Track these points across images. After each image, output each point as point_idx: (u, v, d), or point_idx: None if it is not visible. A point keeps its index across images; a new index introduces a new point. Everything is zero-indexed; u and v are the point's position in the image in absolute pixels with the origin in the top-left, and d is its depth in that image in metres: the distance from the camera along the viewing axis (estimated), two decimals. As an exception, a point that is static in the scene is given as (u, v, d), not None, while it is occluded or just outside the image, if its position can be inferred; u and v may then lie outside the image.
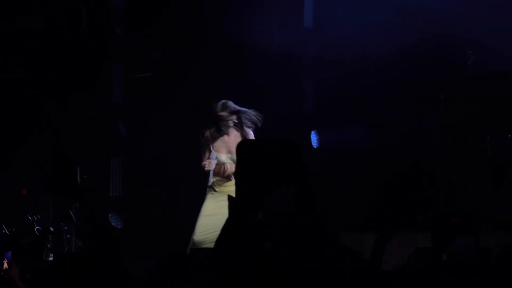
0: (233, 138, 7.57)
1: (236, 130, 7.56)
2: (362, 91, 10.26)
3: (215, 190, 7.64)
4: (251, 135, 7.54)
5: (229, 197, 3.48)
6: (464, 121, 9.58)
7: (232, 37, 10.41)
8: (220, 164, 7.55)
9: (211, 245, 7.18)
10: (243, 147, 3.48)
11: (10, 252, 7.36)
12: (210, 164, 7.48)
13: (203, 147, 7.61)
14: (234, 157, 7.28)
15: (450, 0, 10.11)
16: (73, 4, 9.93)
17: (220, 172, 7.57)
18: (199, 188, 9.79)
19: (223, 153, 7.54)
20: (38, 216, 9.16)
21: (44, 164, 9.79)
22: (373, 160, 10.22)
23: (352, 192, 10.08)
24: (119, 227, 9.73)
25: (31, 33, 9.93)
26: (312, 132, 10.32)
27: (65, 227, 9.36)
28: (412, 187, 9.97)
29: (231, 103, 7.57)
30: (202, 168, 7.68)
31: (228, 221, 3.42)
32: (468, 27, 10.06)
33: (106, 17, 9.93)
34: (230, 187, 7.49)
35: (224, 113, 7.48)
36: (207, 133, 7.58)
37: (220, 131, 7.50)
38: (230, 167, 7.51)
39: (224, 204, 7.28)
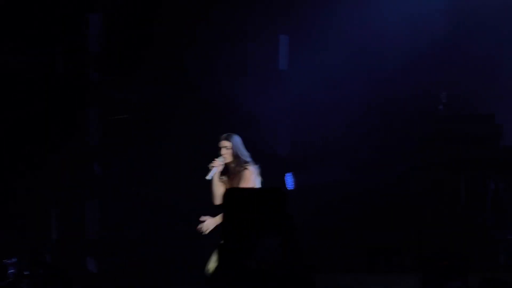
0: (235, 174, 7.37)
1: (238, 167, 7.39)
2: (338, 133, 10.36)
3: None
4: (247, 175, 7.29)
5: (218, 245, 3.51)
6: (438, 161, 9.69)
7: (207, 79, 10.49)
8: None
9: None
10: (229, 195, 3.51)
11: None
12: (214, 162, 7.32)
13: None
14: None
15: (424, 47, 10.30)
16: (49, 47, 9.96)
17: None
18: (176, 229, 9.81)
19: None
20: (14, 259, 9.06)
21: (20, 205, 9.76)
22: (349, 200, 10.29)
23: (329, 233, 10.13)
24: (95, 270, 9.67)
25: (7, 73, 9.95)
26: (288, 174, 10.36)
27: (41, 271, 9.28)
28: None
29: (235, 137, 7.50)
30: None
31: (217, 268, 3.45)
32: (440, 72, 10.26)
33: (82, 61, 9.96)
34: None
35: (223, 144, 7.41)
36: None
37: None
38: None
39: None
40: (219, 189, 7.27)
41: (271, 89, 10.55)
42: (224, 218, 3.44)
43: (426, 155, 9.80)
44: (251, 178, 7.30)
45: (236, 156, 7.37)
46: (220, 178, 7.38)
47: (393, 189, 10.22)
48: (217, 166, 7.31)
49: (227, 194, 3.49)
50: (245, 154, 7.41)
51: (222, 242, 3.46)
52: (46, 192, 9.94)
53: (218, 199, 7.27)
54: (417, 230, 9.90)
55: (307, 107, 10.38)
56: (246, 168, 7.33)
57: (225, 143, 7.40)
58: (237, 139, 7.47)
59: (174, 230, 9.92)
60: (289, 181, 10.32)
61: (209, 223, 7.20)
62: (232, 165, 7.38)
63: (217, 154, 9.86)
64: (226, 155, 7.37)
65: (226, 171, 7.41)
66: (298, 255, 3.37)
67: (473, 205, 10.00)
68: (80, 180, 10.06)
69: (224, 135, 7.46)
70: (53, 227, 9.98)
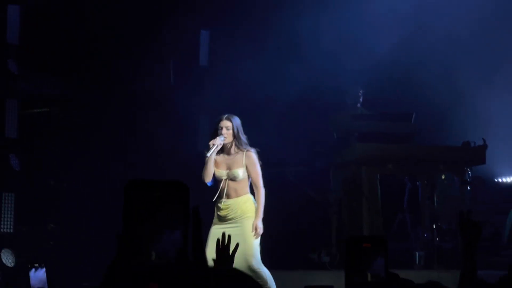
0: (233, 155, 7.35)
1: (237, 149, 7.34)
2: (259, 130, 10.40)
3: (218, 212, 7.33)
4: (252, 157, 7.32)
5: (116, 236, 3.49)
6: (355, 159, 9.81)
7: (128, 72, 10.45)
8: (219, 182, 7.32)
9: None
10: (130, 187, 3.48)
11: None
12: (215, 140, 7.21)
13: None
14: (233, 173, 7.26)
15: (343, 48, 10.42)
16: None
17: (221, 191, 7.32)
18: (94, 224, 9.75)
19: (223, 169, 7.36)
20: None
21: None
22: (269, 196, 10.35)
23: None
24: (10, 264, 9.53)
25: None
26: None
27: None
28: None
29: (236, 118, 7.38)
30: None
31: (113, 262, 3.42)
32: (359, 70, 10.39)
33: (0, 52, 9.81)
34: (231, 205, 7.29)
35: (224, 123, 7.30)
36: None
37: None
38: (228, 185, 7.30)
39: (229, 226, 7.00)
40: (212, 168, 7.27)
41: (192, 86, 10.55)
42: (124, 210, 3.42)
43: (344, 152, 9.91)
44: (256, 161, 7.33)
45: (236, 137, 7.32)
46: (216, 158, 7.33)
47: (313, 186, 10.32)
48: (217, 144, 7.23)
49: (128, 185, 3.46)
50: (244, 136, 7.38)
51: (120, 233, 3.43)
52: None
53: (210, 177, 7.28)
54: (336, 227, 10.02)
55: (228, 105, 10.40)
56: (248, 150, 7.32)
57: (226, 123, 7.31)
58: (237, 120, 7.39)
59: (91, 224, 9.87)
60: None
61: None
62: (231, 146, 7.34)
63: (132, 146, 9.84)
64: (226, 135, 7.28)
65: (221, 151, 7.33)
66: (200, 250, 3.36)
67: (390, 203, 10.17)
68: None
69: (225, 115, 7.35)
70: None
